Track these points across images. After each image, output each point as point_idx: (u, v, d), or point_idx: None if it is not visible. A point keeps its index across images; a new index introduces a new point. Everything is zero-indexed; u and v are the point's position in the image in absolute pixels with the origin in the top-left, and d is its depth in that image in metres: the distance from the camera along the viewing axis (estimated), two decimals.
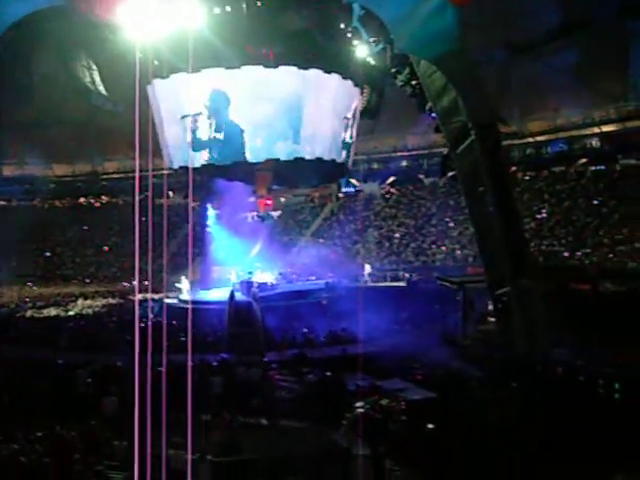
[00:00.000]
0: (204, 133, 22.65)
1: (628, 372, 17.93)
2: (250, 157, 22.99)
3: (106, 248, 61.01)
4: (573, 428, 12.83)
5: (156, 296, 29.00)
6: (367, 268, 43.95)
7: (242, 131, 22.68)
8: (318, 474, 12.86)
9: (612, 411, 15.00)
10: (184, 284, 38.39)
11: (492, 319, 25.10)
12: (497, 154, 22.53)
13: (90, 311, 39.43)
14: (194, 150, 22.75)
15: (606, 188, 49.06)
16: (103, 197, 69.10)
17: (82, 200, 69.50)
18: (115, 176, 67.25)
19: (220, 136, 22.63)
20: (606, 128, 51.48)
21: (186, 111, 22.74)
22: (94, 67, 23.97)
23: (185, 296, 37.44)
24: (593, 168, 52.42)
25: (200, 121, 22.61)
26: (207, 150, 22.78)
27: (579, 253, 43.48)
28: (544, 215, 49.87)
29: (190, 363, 15.00)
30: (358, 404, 16.66)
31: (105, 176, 68.48)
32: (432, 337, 27.18)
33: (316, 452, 13.82)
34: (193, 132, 22.70)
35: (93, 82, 24.07)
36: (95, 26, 21.15)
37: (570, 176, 53.17)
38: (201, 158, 22.94)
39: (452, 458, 12.52)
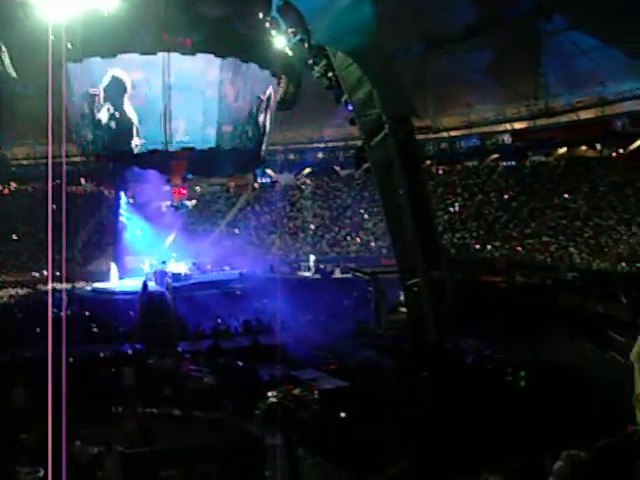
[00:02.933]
0: (106, 119, 22.31)
1: (534, 361, 18.49)
2: (165, 146, 22.74)
3: (15, 236, 59.25)
4: (480, 414, 13.16)
5: (68, 286, 28.43)
6: (312, 258, 43.80)
7: (156, 119, 22.42)
8: (231, 463, 12.84)
9: (518, 398, 15.49)
10: (113, 269, 37.81)
11: (403, 309, 25.45)
12: (411, 147, 22.79)
13: None
14: (98, 135, 22.40)
15: (516, 183, 50.34)
16: (12, 183, 66.97)
17: None
18: (25, 162, 65.26)
19: (113, 125, 22.35)
20: (517, 125, 52.81)
21: (99, 95, 22.33)
22: (3, 48, 23.11)
23: (98, 286, 36.86)
24: (504, 164, 53.73)
25: (104, 106, 22.25)
26: (123, 137, 22.44)
27: (490, 246, 44.48)
28: (456, 208, 50.82)
29: (102, 354, 14.80)
30: (271, 394, 16.72)
31: (14, 162, 66.35)
32: (345, 327, 27.41)
33: (229, 442, 13.81)
34: (95, 118, 22.35)
35: (2, 63, 23.20)
36: (5, 4, 20.48)
37: (482, 171, 54.38)
38: (110, 145, 22.60)
39: (363, 446, 12.68)
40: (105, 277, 39.71)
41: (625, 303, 26.63)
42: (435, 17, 43.79)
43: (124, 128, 22.42)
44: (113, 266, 37.84)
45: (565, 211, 44.32)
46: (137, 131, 22.39)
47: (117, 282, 38.75)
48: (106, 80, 22.02)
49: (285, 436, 13.22)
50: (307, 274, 42.05)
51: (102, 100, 22.37)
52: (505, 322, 22.81)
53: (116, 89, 22.17)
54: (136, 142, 22.55)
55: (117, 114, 22.40)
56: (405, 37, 43.05)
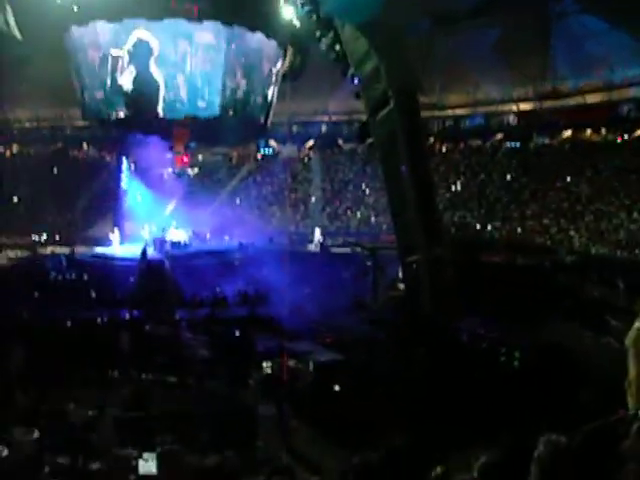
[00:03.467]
0: (121, 83, 22.22)
1: (529, 341, 18.57)
2: (168, 113, 22.67)
3: (16, 199, 59.18)
4: (474, 392, 13.24)
5: (67, 250, 28.50)
6: (317, 232, 43.64)
7: (159, 86, 22.32)
8: (223, 432, 12.93)
9: (511, 377, 15.58)
10: (115, 235, 37.83)
11: (401, 285, 25.52)
12: (415, 123, 22.72)
13: None
14: (110, 100, 22.30)
15: (519, 164, 50.14)
16: (14, 146, 66.74)
17: None
18: (27, 125, 64.99)
19: (136, 88, 22.23)
20: (523, 106, 52.50)
21: (104, 60, 22.24)
22: (8, 8, 22.97)
23: (97, 251, 36.89)
24: (508, 144, 53.47)
25: (119, 70, 22.14)
26: (123, 102, 22.35)
27: (490, 226, 44.46)
28: (459, 187, 50.70)
29: (99, 319, 14.86)
30: (266, 364, 16.81)
31: (17, 124, 66.04)
32: (343, 301, 27.49)
33: (223, 410, 13.88)
34: (111, 81, 22.24)
35: (7, 24, 23.05)
36: None
37: (486, 150, 54.14)
38: (118, 110, 22.50)
39: (357, 419, 12.77)
40: (105, 242, 39.70)
41: (622, 288, 26.70)
42: None
43: (144, 93, 22.31)
44: (116, 231, 37.82)
45: (567, 194, 44.22)
46: (139, 96, 22.29)
47: (117, 248, 38.73)
48: (130, 43, 21.89)
49: (278, 407, 13.31)
50: (314, 248, 41.81)
51: (123, 63, 22.24)
52: (503, 302, 22.89)
53: (141, 52, 22.04)
54: (136, 107, 22.48)
55: (139, 78, 22.28)
56: (414, 14, 42.71)
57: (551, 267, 32.90)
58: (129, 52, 22.04)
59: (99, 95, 22.80)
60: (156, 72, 22.20)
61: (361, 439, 12.12)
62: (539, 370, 15.53)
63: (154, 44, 21.91)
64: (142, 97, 22.43)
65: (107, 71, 22.54)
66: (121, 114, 22.57)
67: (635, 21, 38.45)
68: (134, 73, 22.23)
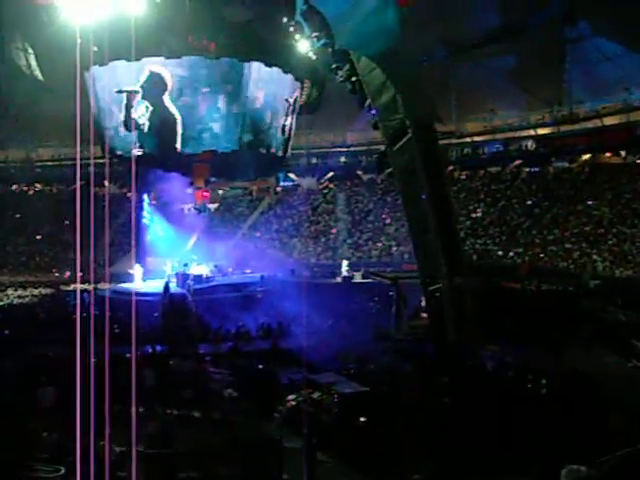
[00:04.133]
0: (139, 121, 22.45)
1: (555, 368, 18.39)
2: (188, 148, 22.87)
3: (39, 237, 59.75)
4: (500, 421, 13.11)
5: (90, 286, 28.63)
6: (345, 264, 43.54)
7: (176, 120, 22.54)
8: (250, 466, 12.87)
9: (538, 405, 15.40)
10: (137, 270, 38.01)
11: (424, 315, 25.40)
12: (434, 152, 22.75)
13: (21, 301, 38.58)
14: (130, 137, 22.53)
15: (539, 189, 50.05)
16: (37, 184, 67.51)
17: (15, 187, 67.79)
18: (49, 163, 65.84)
19: (153, 124, 22.46)
20: (541, 131, 52.56)
21: (122, 99, 22.51)
22: (30, 50, 23.43)
23: (119, 287, 37.00)
24: (527, 169, 53.42)
25: (135, 108, 22.38)
26: (141, 138, 22.58)
27: (512, 252, 44.27)
28: (479, 214, 50.62)
29: (126, 355, 14.87)
30: (290, 397, 16.74)
31: (39, 163, 66.89)
32: (365, 332, 27.39)
33: (248, 444, 13.83)
34: (130, 119, 22.49)
35: (29, 66, 23.53)
36: (32, 8, 20.72)
37: (505, 177, 54.08)
38: (137, 147, 22.71)
39: (383, 451, 12.68)
40: (128, 278, 39.89)
41: None
42: (459, 22, 43.80)
43: (162, 129, 22.54)
44: (137, 267, 38.03)
45: (588, 218, 44.03)
46: (157, 132, 22.49)
47: (139, 283, 38.87)
48: (143, 78, 22.18)
49: (304, 440, 13.24)
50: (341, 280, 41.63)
51: (136, 100, 22.51)
52: (526, 329, 22.72)
53: (156, 88, 22.30)
54: (154, 144, 22.68)
55: (142, 116, 22.52)
56: (429, 42, 43.04)
57: (575, 292, 32.67)
58: (144, 88, 22.30)
59: (119, 132, 23.05)
60: (173, 108, 22.43)
61: (387, 470, 12.05)
62: (565, 397, 15.36)
63: (167, 78, 22.17)
64: (160, 133, 22.65)
65: (125, 108, 22.81)
66: (141, 151, 22.77)
67: None
68: (151, 110, 22.46)
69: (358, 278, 41.35)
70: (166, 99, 22.39)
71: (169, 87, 22.36)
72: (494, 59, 47.14)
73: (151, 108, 22.59)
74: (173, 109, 22.51)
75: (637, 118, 46.38)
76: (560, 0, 41.01)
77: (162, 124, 22.64)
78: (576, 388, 15.56)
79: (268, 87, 23.85)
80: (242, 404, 17.40)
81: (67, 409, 6.96)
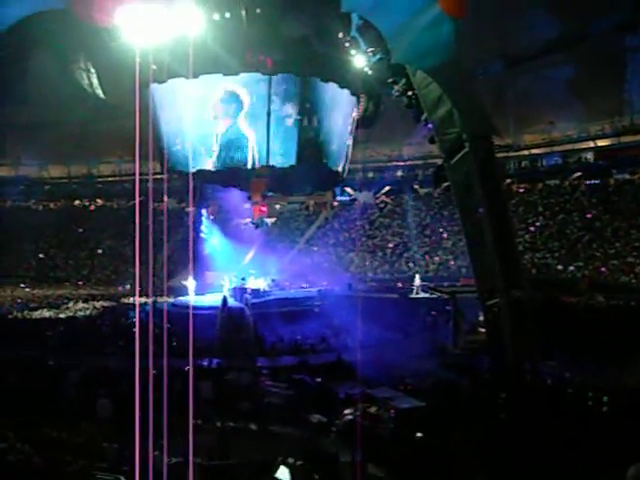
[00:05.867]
0: (212, 138, 22.76)
1: (617, 385, 18.06)
2: (246, 164, 23.09)
3: (100, 251, 60.95)
4: (561, 439, 12.92)
5: (150, 300, 29.09)
6: (417, 278, 43.52)
7: (246, 137, 22.80)
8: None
9: (600, 423, 15.12)
10: (190, 284, 38.51)
11: (482, 330, 25.18)
12: (491, 166, 22.59)
13: (82, 313, 39.35)
14: (195, 156, 22.85)
15: (600, 202, 49.30)
16: (98, 200, 68.97)
17: (77, 202, 69.32)
18: (110, 179, 67.27)
19: (228, 141, 22.74)
20: (601, 142, 51.81)
21: (183, 115, 22.86)
22: (92, 70, 23.99)
23: (178, 300, 37.50)
24: (587, 182, 52.67)
25: (210, 125, 22.70)
26: (213, 155, 22.87)
27: (572, 267, 43.61)
28: (538, 228, 50.04)
29: (184, 367, 15.06)
30: (348, 411, 16.75)
31: (100, 179, 68.37)
32: (423, 347, 27.28)
33: (305, 458, 13.86)
34: (204, 136, 22.81)
35: (91, 85, 24.06)
36: (94, 29, 21.20)
37: (564, 189, 53.41)
38: (205, 164, 23.00)
39: (440, 467, 12.59)
40: (186, 291, 40.36)
41: None
42: (516, 34, 43.48)
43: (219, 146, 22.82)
44: (191, 280, 38.52)
45: None
46: (229, 149, 22.78)
47: (196, 297, 39.29)
48: (216, 96, 22.50)
49: (360, 454, 13.22)
50: (415, 296, 41.39)
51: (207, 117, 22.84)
52: (587, 344, 22.37)
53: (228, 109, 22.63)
54: (226, 160, 22.93)
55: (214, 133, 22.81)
56: (485, 55, 42.82)
57: (637, 306, 32.05)
58: (215, 106, 22.61)
59: (179, 149, 23.38)
60: (237, 123, 22.70)
61: None
62: (629, 415, 15.07)
63: (244, 97, 22.45)
64: (227, 151, 22.92)
65: (187, 126, 23.15)
66: (205, 167, 23.06)
67: None
68: (225, 127, 22.76)
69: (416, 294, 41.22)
70: (241, 117, 22.67)
71: (245, 106, 22.64)
72: (552, 70, 46.70)
73: (225, 126, 22.89)
74: (243, 127, 22.78)
75: None
76: (621, 8, 40.39)
77: (230, 142, 22.90)
78: (637, 405, 15.28)
79: (325, 103, 23.96)
80: (299, 417, 17.47)
81: (126, 420, 7.09)
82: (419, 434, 14.23)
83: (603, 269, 41.69)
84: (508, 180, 53.45)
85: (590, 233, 46.40)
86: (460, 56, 21.38)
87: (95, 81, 24.10)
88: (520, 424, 14.64)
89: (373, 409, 16.57)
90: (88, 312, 39.95)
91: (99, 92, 24.44)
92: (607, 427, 14.49)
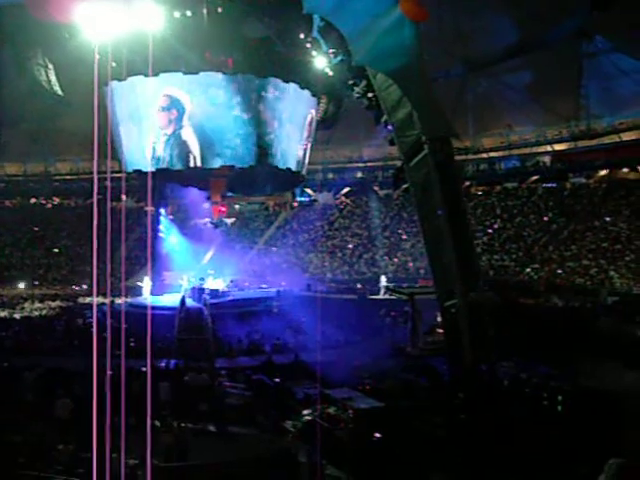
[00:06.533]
0: (163, 138, 22.66)
1: (572, 385, 18.30)
2: (205, 163, 23.00)
3: (56, 250, 60.13)
4: (516, 438, 13.05)
5: (107, 300, 28.77)
6: (383, 279, 43.51)
7: (198, 137, 22.71)
8: None
9: (554, 422, 15.33)
10: (146, 283, 38.16)
11: (440, 331, 25.34)
12: (450, 168, 22.72)
13: (38, 313, 38.78)
14: (147, 152, 22.71)
15: (556, 205, 49.94)
16: (55, 198, 68.01)
17: (33, 200, 68.30)
18: (68, 177, 66.35)
19: (180, 141, 22.63)
20: (558, 146, 52.49)
21: (142, 113, 22.71)
22: (50, 66, 23.71)
23: (136, 300, 37.15)
24: (544, 185, 53.33)
25: (155, 123, 22.58)
26: (166, 155, 22.74)
27: (529, 269, 44.11)
28: (496, 230, 50.54)
29: (142, 368, 14.92)
30: (306, 411, 16.76)
31: (57, 177, 67.42)
32: (381, 347, 27.37)
33: (263, 459, 13.84)
34: (149, 134, 22.68)
35: (49, 81, 23.79)
36: (52, 25, 20.95)
37: (522, 192, 54.00)
38: (158, 162, 22.88)
39: (398, 467, 12.64)
40: (143, 291, 40.02)
41: None
42: (476, 39, 43.86)
43: (171, 146, 22.72)
44: (147, 280, 38.19)
45: (606, 234, 43.83)
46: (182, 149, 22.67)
47: (154, 297, 38.98)
48: (162, 99, 22.41)
49: (319, 454, 13.23)
50: (379, 297, 41.36)
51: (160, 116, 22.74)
52: (543, 346, 22.64)
53: (174, 108, 22.53)
54: (179, 160, 22.85)
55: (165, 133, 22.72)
56: (446, 59, 43.16)
57: (592, 308, 32.52)
58: (163, 107, 22.53)
59: (138, 147, 23.22)
60: (191, 124, 22.61)
61: None
62: (583, 414, 15.29)
63: (186, 99, 22.37)
64: (180, 148, 22.81)
65: (144, 124, 22.99)
66: (163, 166, 22.95)
67: None
68: (172, 126, 22.66)
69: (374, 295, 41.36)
70: (186, 117, 22.58)
71: (188, 109, 22.54)
72: (511, 75, 47.25)
73: (172, 125, 22.78)
74: (193, 126, 22.69)
75: None
76: (575, 16, 40.98)
77: (182, 140, 22.78)
78: (593, 405, 15.49)
79: (286, 103, 23.96)
80: (257, 418, 17.44)
81: (83, 421, 7.00)
82: (377, 434, 14.28)
83: (559, 271, 42.21)
84: (467, 183, 53.96)
85: (547, 236, 46.96)
86: (421, 59, 21.49)
87: (53, 77, 23.86)
88: (477, 424, 14.76)
89: (332, 409, 16.58)
90: (44, 312, 39.39)
91: (57, 88, 24.19)
92: (562, 427, 14.69)
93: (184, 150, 22.84)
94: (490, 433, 13.63)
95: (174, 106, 22.54)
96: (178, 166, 23.13)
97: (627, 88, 43.85)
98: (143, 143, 23.19)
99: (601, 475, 4.83)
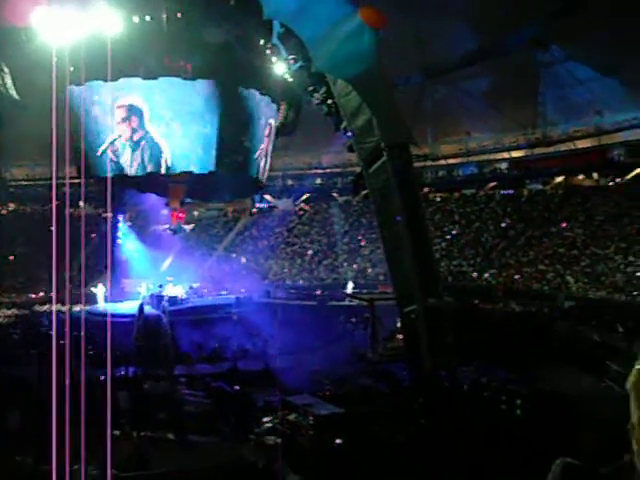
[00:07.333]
0: (120, 144, 22.47)
1: (530, 389, 18.50)
2: (164, 169, 22.83)
3: (12, 257, 59.17)
4: (476, 442, 13.14)
5: (64, 307, 28.37)
6: (350, 285, 43.47)
7: (157, 143, 22.55)
8: None
9: (513, 426, 15.46)
10: (100, 290, 37.68)
11: (400, 336, 25.45)
12: (409, 175, 22.87)
13: None
14: (105, 159, 22.51)
15: (514, 211, 50.49)
16: (10, 204, 66.98)
17: None
18: (24, 183, 65.38)
19: (136, 147, 22.45)
20: (515, 154, 53.06)
21: (101, 119, 22.51)
22: (6, 70, 23.32)
23: (94, 308, 36.75)
24: (502, 192, 53.89)
25: (114, 129, 22.40)
26: (129, 160, 22.56)
27: (487, 274, 44.51)
28: (454, 236, 50.92)
29: (100, 376, 14.75)
30: (266, 419, 16.70)
31: (13, 183, 66.39)
32: (341, 353, 27.39)
33: (224, 467, 13.75)
34: (111, 142, 22.49)
35: (4, 85, 23.38)
36: (8, 28, 20.66)
37: (480, 199, 54.52)
38: (121, 169, 22.70)
39: (359, 473, 12.65)
40: (102, 299, 39.60)
41: (622, 332, 26.70)
42: (434, 46, 44.17)
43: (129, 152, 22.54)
44: (100, 287, 37.76)
45: (562, 239, 44.40)
46: (139, 155, 22.49)
47: (113, 304, 38.61)
48: (121, 104, 22.22)
49: (279, 461, 13.19)
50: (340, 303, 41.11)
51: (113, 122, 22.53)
52: (502, 350, 22.86)
53: (131, 113, 22.36)
54: (138, 166, 22.66)
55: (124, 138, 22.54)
56: (405, 66, 43.42)
57: (549, 313, 32.92)
58: (122, 116, 22.37)
59: (96, 153, 22.98)
60: (151, 130, 22.46)
61: None
62: (541, 417, 15.45)
63: (144, 106, 22.24)
64: (139, 155, 22.63)
65: (103, 130, 22.78)
66: (122, 172, 22.75)
67: (621, 67, 39.20)
68: (130, 132, 22.49)
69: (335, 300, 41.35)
70: (146, 122, 22.42)
71: (146, 114, 22.38)
72: (469, 82, 47.66)
73: (130, 131, 22.60)
74: (152, 132, 22.53)
75: (609, 141, 47.03)
76: (534, 24, 41.53)
77: (142, 147, 22.62)
78: (551, 408, 15.66)
79: (245, 109, 23.90)
80: (217, 426, 17.33)
81: (40, 432, 6.88)
82: (338, 440, 14.28)
83: (517, 276, 42.65)
84: (425, 189, 54.25)
85: (504, 241, 47.44)
86: (380, 66, 21.59)
87: (9, 81, 23.47)
88: (437, 429, 14.84)
89: (292, 416, 16.55)
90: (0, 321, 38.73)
91: (13, 92, 23.79)
92: (520, 431, 14.84)
93: (153, 156, 22.65)
94: (450, 438, 13.70)
95: (133, 113, 22.35)
96: (145, 172, 22.91)
97: (582, 96, 44.54)
98: (102, 149, 22.98)
99: (549, 474, 4.89)
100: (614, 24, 35.76)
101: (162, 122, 22.54)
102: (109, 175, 22.67)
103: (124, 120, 22.45)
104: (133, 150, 22.73)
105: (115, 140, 22.60)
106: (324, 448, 14.49)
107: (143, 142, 22.66)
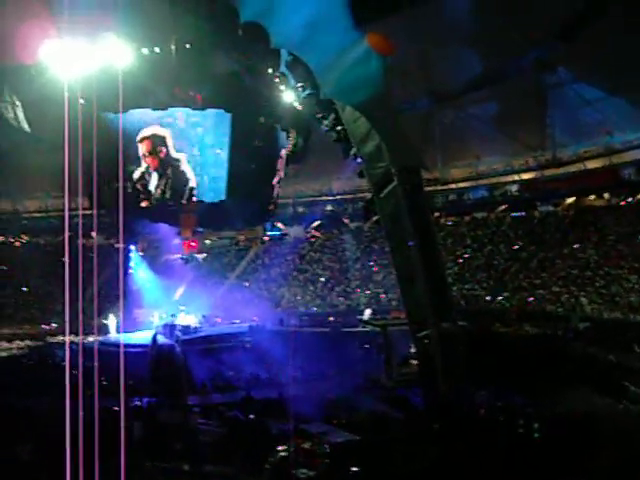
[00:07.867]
0: (140, 176, 22.62)
1: (547, 412, 18.33)
2: (176, 199, 22.97)
3: (25, 289, 59.34)
4: (495, 467, 13.01)
5: (78, 338, 28.40)
6: (367, 312, 43.08)
7: (175, 174, 22.70)
8: None
9: (531, 449, 15.31)
10: (112, 321, 37.70)
11: (414, 362, 25.32)
12: (419, 199, 22.87)
13: (6, 354, 38.18)
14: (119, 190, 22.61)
15: (525, 234, 50.29)
16: (23, 236, 67.27)
17: (1, 239, 67.50)
18: (37, 215, 65.71)
19: (158, 178, 22.61)
20: (525, 176, 52.93)
21: (112, 151, 22.67)
22: (17, 103, 23.61)
23: (107, 338, 36.75)
24: (513, 214, 53.73)
25: (138, 162, 22.57)
26: (143, 192, 22.70)
27: (500, 297, 44.29)
28: (466, 259, 50.75)
29: (114, 407, 14.73)
30: (281, 447, 16.59)
31: (26, 215, 66.73)
32: (356, 380, 27.25)
33: None
34: (130, 175, 22.63)
35: (16, 118, 23.66)
36: (19, 64, 20.90)
37: (491, 222, 54.37)
38: (134, 200, 22.81)
39: None
40: (114, 330, 39.60)
41: (638, 352, 26.50)
42: (441, 71, 44.30)
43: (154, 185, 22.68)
44: (112, 318, 37.81)
45: (575, 261, 44.16)
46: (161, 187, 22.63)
47: (126, 334, 38.60)
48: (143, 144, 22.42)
49: None
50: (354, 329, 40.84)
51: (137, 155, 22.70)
52: (517, 373, 22.69)
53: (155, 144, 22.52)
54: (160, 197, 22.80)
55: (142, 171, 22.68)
56: (412, 91, 43.54)
57: (564, 335, 32.70)
58: (143, 146, 22.52)
59: (110, 185, 23.09)
60: (171, 162, 22.61)
61: None
62: (559, 440, 15.30)
63: (167, 135, 22.39)
64: (156, 188, 22.77)
65: (116, 162, 22.92)
66: (135, 203, 22.87)
67: (629, 87, 39.21)
68: (147, 164, 22.63)
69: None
70: (170, 154, 22.58)
71: (169, 145, 22.55)
72: (477, 106, 47.71)
73: (154, 163, 22.77)
74: (175, 164, 22.71)
75: (619, 161, 46.90)
76: (539, 47, 41.59)
77: (164, 179, 22.79)
78: (568, 431, 15.51)
79: (254, 138, 24.05)
80: (232, 455, 17.22)
81: (53, 463, 6.87)
82: (354, 468, 14.17)
83: (531, 299, 42.42)
84: (436, 213, 54.14)
85: (517, 264, 47.22)
86: (388, 92, 21.68)
87: (21, 114, 23.70)
88: (453, 456, 14.71)
89: (307, 444, 16.44)
90: (13, 352, 38.78)
91: (24, 125, 24.02)
92: (538, 454, 14.68)
93: (180, 184, 22.77)
94: (467, 463, 13.58)
95: (159, 144, 22.51)
96: (172, 200, 23.04)
97: (591, 117, 44.47)
98: (116, 180, 23.10)
99: None
100: (619, 43, 35.78)
101: (175, 153, 22.70)
102: (121, 205, 22.76)
103: (153, 155, 22.59)
104: (146, 181, 22.87)
105: (129, 172, 22.75)
106: (340, 476, 14.38)
107: (157, 172, 22.82)
